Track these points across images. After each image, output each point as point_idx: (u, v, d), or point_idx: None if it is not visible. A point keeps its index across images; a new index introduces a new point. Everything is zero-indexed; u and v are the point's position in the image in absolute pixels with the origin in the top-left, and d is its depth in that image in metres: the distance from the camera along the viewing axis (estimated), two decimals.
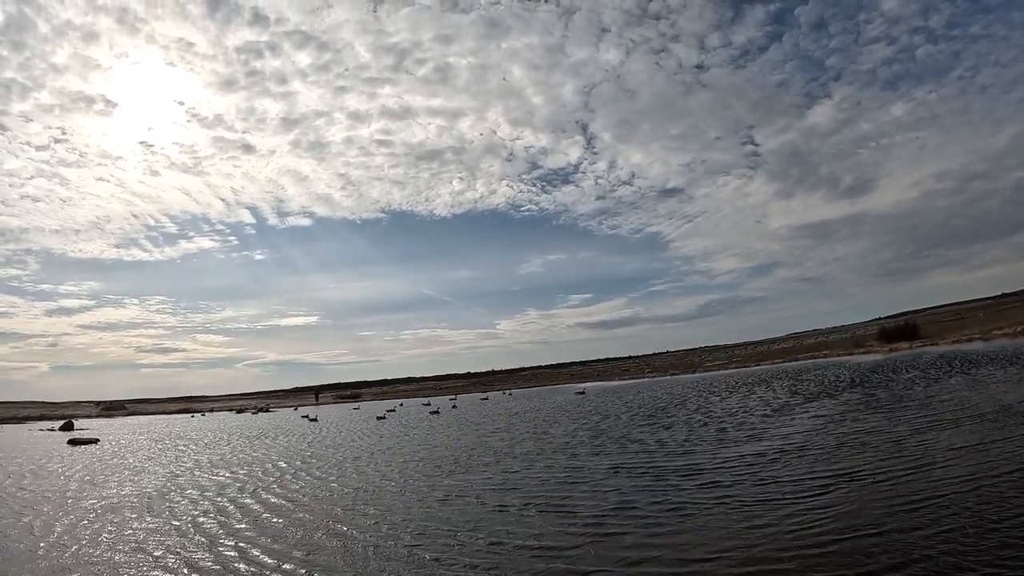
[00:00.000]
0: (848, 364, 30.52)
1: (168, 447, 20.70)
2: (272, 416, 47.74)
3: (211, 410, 72.73)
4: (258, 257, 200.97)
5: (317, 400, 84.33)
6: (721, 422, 13.13)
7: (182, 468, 13.90)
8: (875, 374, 21.35)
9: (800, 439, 9.78)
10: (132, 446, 21.86)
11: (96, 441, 25.80)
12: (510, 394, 51.02)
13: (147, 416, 67.62)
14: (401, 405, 47.84)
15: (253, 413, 58.03)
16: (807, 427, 11.01)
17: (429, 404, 41.86)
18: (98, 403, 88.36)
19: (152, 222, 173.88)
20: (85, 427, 43.04)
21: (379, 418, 30.41)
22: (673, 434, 12.10)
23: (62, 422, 44.76)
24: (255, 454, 16.19)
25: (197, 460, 15.51)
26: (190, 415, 61.62)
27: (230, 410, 69.08)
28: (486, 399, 44.72)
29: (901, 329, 42.86)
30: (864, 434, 9.59)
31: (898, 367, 23.19)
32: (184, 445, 21.16)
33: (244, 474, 12.08)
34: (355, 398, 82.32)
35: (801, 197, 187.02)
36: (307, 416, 37.76)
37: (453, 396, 58.61)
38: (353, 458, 13.65)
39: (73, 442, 25.46)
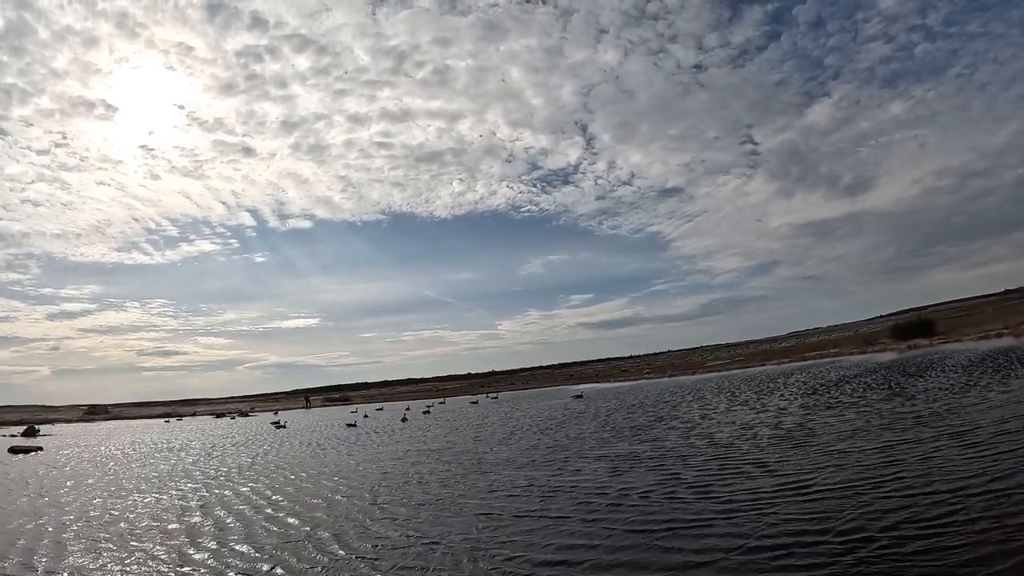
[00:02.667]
0: (864, 364, 27.55)
1: (95, 458, 19.82)
2: (246, 422, 45.37)
3: (192, 415, 70.26)
4: (259, 260, 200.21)
5: (307, 403, 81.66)
6: (724, 458, 9.31)
7: (62, 485, 12.56)
8: (906, 378, 18.18)
9: (864, 506, 5.74)
10: (64, 459, 20.18)
11: (39, 449, 24.87)
12: (496, 398, 48.67)
13: (127, 421, 65.22)
14: (380, 410, 46.23)
15: (232, 418, 55.83)
16: (861, 472, 7.07)
17: (408, 409, 39.97)
18: (91, 407, 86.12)
19: (153, 225, 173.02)
20: (53, 432, 41.46)
21: (349, 425, 29.06)
22: (650, 480, 8.24)
23: (25, 427, 42.35)
24: (153, 473, 14.54)
25: (96, 479, 14.06)
26: (165, 420, 58.89)
27: (213, 414, 66.54)
28: (475, 403, 43.14)
29: (916, 325, 40.03)
30: (975, 495, 5.62)
31: (929, 368, 20.16)
32: (112, 456, 20.53)
33: (99, 503, 9.61)
34: (344, 401, 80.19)
35: (801, 196, 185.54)
36: (276, 423, 35.35)
37: (442, 400, 56.94)
38: (213, 492, 10.83)
39: (13, 450, 24.56)
